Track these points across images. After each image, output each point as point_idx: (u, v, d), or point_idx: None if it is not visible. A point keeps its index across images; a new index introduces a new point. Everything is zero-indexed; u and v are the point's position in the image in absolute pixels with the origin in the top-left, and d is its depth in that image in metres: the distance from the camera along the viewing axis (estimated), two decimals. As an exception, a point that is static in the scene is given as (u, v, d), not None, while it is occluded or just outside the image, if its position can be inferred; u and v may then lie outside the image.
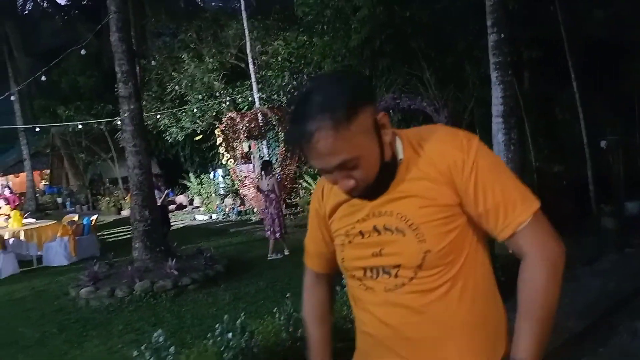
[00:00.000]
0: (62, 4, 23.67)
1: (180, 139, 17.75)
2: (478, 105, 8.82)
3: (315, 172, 13.20)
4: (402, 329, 1.09)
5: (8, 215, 10.46)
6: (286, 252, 7.89)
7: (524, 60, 8.29)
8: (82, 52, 9.25)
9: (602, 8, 6.94)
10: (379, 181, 1.07)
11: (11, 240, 9.26)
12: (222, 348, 3.02)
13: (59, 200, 22.77)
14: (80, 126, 17.60)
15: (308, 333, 1.40)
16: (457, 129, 1.15)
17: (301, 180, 13.26)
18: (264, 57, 15.14)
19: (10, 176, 25.19)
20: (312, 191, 12.63)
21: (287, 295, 3.52)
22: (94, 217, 10.40)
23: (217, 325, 3.12)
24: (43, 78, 11.86)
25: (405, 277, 1.07)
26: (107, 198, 19.44)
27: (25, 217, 11.27)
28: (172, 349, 2.83)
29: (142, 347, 2.87)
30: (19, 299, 6.94)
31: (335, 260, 1.23)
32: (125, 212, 17.85)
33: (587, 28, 7.41)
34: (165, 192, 10.13)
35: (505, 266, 4.12)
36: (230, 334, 3.03)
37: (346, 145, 0.99)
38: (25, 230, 9.58)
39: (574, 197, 7.75)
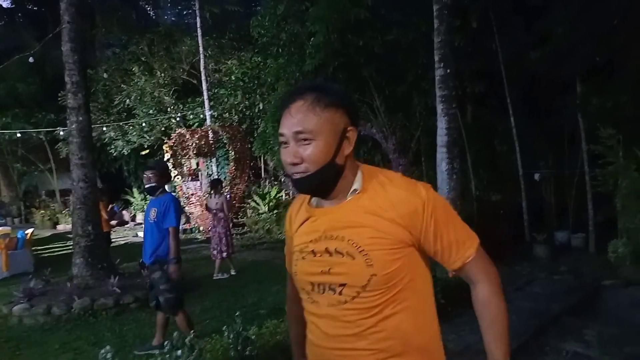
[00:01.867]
0: (5, 6, 22.62)
1: (126, 153, 17.27)
2: (425, 134, 9.24)
3: (264, 191, 13.24)
4: (340, 340, 1.21)
5: None
6: (232, 272, 7.85)
7: (468, 94, 8.79)
8: (30, 59, 8.90)
9: (538, 47, 7.51)
10: (320, 176, 1.21)
11: None
12: (171, 366, 3.00)
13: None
14: (18, 135, 16.75)
15: (290, 331, 1.57)
16: (414, 180, 1.32)
17: (249, 200, 13.24)
18: (217, 75, 15.16)
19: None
20: (260, 211, 12.65)
21: (236, 314, 3.54)
22: (29, 231, 9.90)
23: (166, 342, 3.10)
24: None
25: (348, 296, 1.20)
26: (42, 211, 18.46)
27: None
28: (119, 366, 2.79)
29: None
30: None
31: None
32: (61, 227, 17.03)
33: (524, 65, 7.97)
34: (110, 207, 9.81)
35: (445, 289, 4.36)
36: (179, 352, 3.02)
37: (312, 121, 1.19)
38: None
39: (510, 225, 8.24)
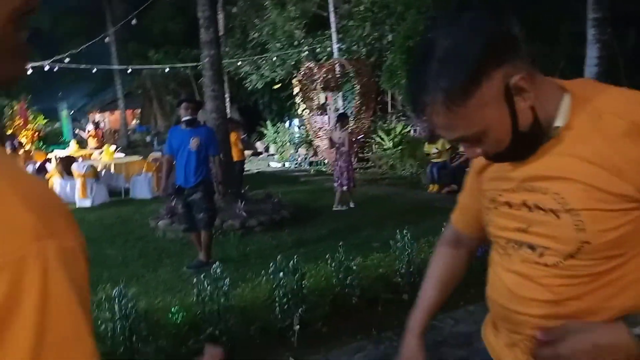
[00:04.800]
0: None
1: (260, 87, 18.10)
2: (571, 64, 8.15)
3: (389, 127, 13.04)
4: (527, 303, 0.98)
5: (98, 148, 11.41)
6: (352, 205, 7.99)
7: (631, 14, 7.47)
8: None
9: None
10: (515, 151, 0.95)
11: (103, 172, 10.16)
12: (274, 285, 3.21)
13: (148, 139, 24.39)
14: (167, 69, 18.47)
15: (422, 288, 1.28)
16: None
17: (374, 135, 13.16)
18: (346, 6, 14.82)
19: (107, 113, 27.20)
20: (384, 147, 12.53)
21: (340, 244, 3.61)
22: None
23: (271, 264, 3.30)
24: (134, 22, 12.45)
25: (549, 260, 0.95)
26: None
27: (117, 152, 12.25)
28: (227, 280, 3.05)
29: (202, 276, 3.12)
30: (108, 224, 7.69)
31: (480, 224, 1.14)
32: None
33: None
34: (242, 137, 10.50)
35: None
36: (281, 273, 3.19)
37: (462, 122, 0.89)
38: (115, 164, 10.44)
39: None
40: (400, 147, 12.07)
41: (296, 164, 14.76)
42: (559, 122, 0.93)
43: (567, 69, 8.36)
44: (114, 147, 12.50)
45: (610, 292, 0.93)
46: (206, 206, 5.00)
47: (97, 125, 17.20)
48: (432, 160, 9.24)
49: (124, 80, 23.12)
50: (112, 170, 10.40)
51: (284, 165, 15.16)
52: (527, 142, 0.94)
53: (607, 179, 0.87)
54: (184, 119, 5.00)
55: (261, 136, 18.80)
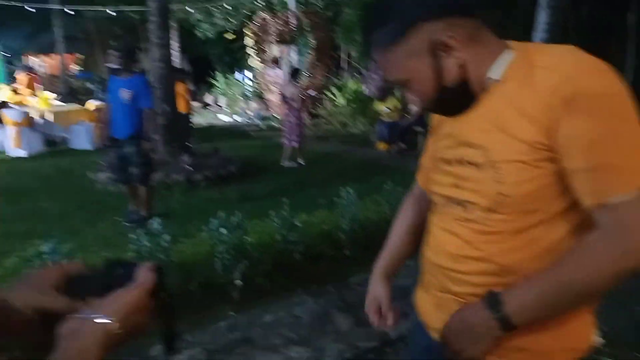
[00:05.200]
0: None
1: (211, 37, 17.40)
2: (521, 30, 8.27)
3: (343, 84, 12.94)
4: (456, 260, 1.03)
5: (32, 94, 10.69)
6: (300, 162, 7.96)
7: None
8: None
9: None
10: (444, 105, 1.00)
11: (39, 120, 9.56)
12: (216, 241, 3.16)
13: (90, 86, 23.10)
14: (114, 14, 17.35)
15: (388, 238, 1.34)
16: (591, 58, 0.91)
17: (327, 92, 13.04)
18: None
19: (45, 57, 25.39)
20: (336, 104, 12.46)
21: (283, 199, 3.59)
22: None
23: (213, 219, 3.25)
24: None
25: (473, 215, 0.98)
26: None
27: (55, 100, 11.53)
28: (165, 236, 2.97)
29: (139, 231, 3.03)
30: (45, 176, 7.29)
31: None
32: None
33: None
34: (191, 88, 10.11)
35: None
36: (224, 229, 3.15)
37: (391, 67, 0.98)
38: (53, 112, 9.84)
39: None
40: (352, 105, 12.05)
41: (247, 118, 14.47)
42: (493, 74, 0.95)
43: (516, 34, 8.49)
44: (50, 94, 11.72)
45: (528, 253, 0.95)
46: (140, 160, 4.84)
47: (30, 69, 15.97)
48: (382, 119, 9.28)
49: (66, 23, 21.54)
50: (50, 118, 9.81)
51: (233, 118, 14.83)
52: (455, 97, 0.97)
53: (526, 129, 0.89)
54: (112, 67, 4.79)
55: (211, 88, 18.23)
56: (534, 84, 0.89)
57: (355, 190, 3.98)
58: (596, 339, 1.05)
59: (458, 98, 0.97)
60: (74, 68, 25.27)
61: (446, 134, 1.05)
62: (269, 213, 3.80)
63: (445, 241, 1.05)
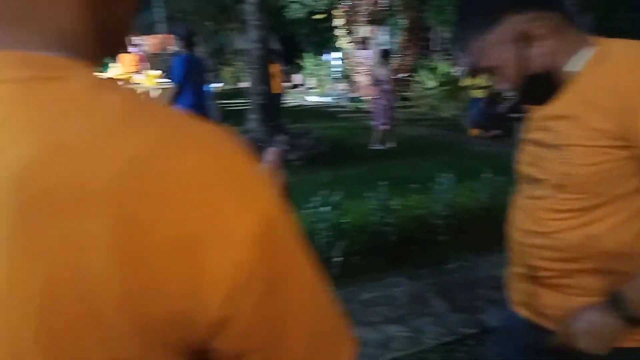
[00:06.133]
0: None
1: (300, 16, 17.60)
2: None
3: (434, 65, 12.62)
4: (527, 235, 1.13)
5: (137, 72, 11.51)
6: (390, 145, 7.95)
7: None
8: None
9: None
10: (528, 92, 1.07)
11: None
12: (315, 219, 3.31)
13: (187, 65, 24.39)
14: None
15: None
16: None
17: (417, 74, 12.80)
18: None
19: (148, 37, 27.06)
20: (427, 86, 12.20)
21: (381, 183, 3.66)
22: (219, 85, 11.06)
23: (313, 199, 3.40)
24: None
25: (544, 192, 1.08)
26: (228, 68, 20.44)
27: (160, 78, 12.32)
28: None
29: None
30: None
31: None
32: (242, 84, 18.80)
33: None
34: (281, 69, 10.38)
35: None
36: (323, 208, 3.29)
37: (481, 54, 1.06)
38: (160, 90, 10.58)
39: None
40: (443, 88, 11.74)
41: (335, 98, 14.58)
42: (571, 67, 1.02)
43: None
44: (156, 72, 12.57)
45: (592, 231, 1.03)
46: None
47: (137, 48, 17.16)
48: (473, 97, 8.86)
49: (166, 2, 22.77)
50: (155, 95, 10.55)
51: (321, 99, 15.02)
52: (539, 86, 1.04)
53: (601, 121, 0.96)
54: (174, 50, 5.27)
55: (299, 68, 18.53)
56: (611, 78, 0.95)
57: (450, 176, 3.95)
58: None
59: (541, 87, 1.05)
60: (173, 48, 26.66)
61: (532, 118, 1.15)
62: (362, 195, 3.90)
63: (519, 217, 1.16)
